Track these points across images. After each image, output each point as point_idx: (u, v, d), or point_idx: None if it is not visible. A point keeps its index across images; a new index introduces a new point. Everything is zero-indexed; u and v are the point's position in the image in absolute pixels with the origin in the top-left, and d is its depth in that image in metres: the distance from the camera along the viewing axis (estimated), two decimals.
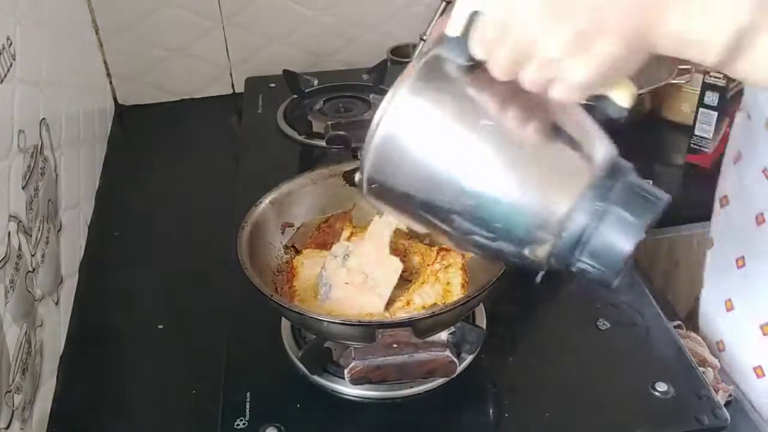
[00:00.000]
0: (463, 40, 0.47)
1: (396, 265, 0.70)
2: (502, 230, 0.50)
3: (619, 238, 0.48)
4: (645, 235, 0.49)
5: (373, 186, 0.53)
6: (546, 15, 0.43)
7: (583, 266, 0.50)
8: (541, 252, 0.50)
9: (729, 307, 0.78)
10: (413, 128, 0.50)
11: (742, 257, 0.75)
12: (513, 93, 0.48)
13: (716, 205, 0.82)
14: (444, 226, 0.53)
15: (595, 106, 0.48)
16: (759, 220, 0.73)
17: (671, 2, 0.42)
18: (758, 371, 0.75)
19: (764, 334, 0.73)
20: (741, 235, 0.76)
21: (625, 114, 0.47)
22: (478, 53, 0.47)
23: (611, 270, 0.49)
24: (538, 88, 0.46)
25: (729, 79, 0.95)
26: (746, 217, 0.74)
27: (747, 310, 0.76)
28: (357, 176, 0.53)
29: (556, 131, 0.49)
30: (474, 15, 0.46)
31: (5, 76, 0.73)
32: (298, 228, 0.77)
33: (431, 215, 0.52)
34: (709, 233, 0.84)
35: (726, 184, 0.80)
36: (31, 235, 0.74)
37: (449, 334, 0.65)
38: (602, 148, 0.51)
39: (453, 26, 0.48)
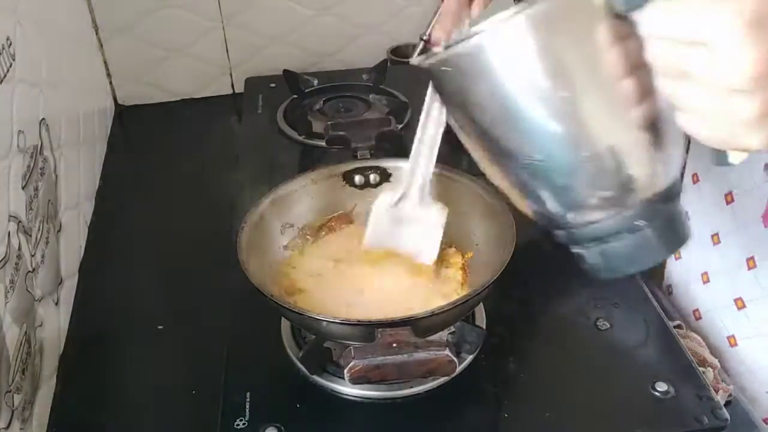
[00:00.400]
0: None
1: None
2: (549, 186, 0.48)
3: (636, 257, 0.49)
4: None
5: (443, 69, 0.48)
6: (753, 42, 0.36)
7: (585, 254, 0.50)
8: (561, 220, 0.50)
9: (705, 279, 0.79)
10: (526, 48, 0.44)
11: (717, 234, 0.77)
12: (638, 67, 0.43)
13: (687, 181, 0.84)
14: (486, 147, 0.50)
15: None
16: (728, 199, 0.75)
17: None
18: (731, 340, 0.76)
19: (738, 309, 0.75)
20: (713, 213, 0.78)
21: (725, 165, 0.45)
22: (645, 28, 0.41)
23: (608, 272, 0.50)
24: (668, 98, 0.42)
25: None
26: (716, 196, 0.76)
27: (722, 284, 0.77)
28: (430, 53, 0.48)
29: (653, 126, 0.46)
30: None
31: (5, 76, 0.73)
32: (300, 229, 0.77)
33: (482, 130, 0.49)
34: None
35: (695, 162, 0.81)
36: (30, 236, 0.74)
37: (449, 333, 0.65)
38: (675, 167, 0.49)
39: None
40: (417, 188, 0.72)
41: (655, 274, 0.91)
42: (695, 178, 0.81)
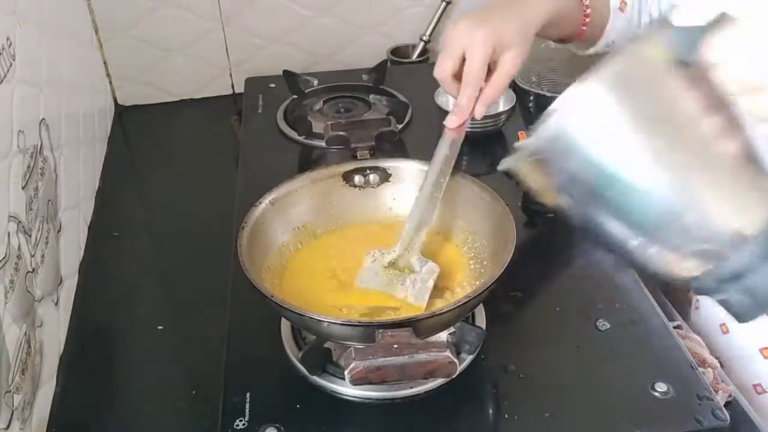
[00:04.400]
0: (695, 34, 0.43)
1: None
2: (665, 240, 0.47)
3: None
4: None
5: (536, 158, 0.49)
6: None
7: (729, 298, 0.47)
8: (693, 270, 0.48)
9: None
10: (605, 114, 0.46)
11: None
12: (720, 104, 0.45)
13: None
14: (598, 226, 0.50)
15: None
16: None
17: None
18: (765, 352, 0.77)
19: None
20: None
21: None
22: (712, 57, 0.43)
23: (757, 309, 0.47)
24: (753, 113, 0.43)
25: None
26: None
27: None
28: (520, 143, 0.50)
29: (751, 157, 0.46)
30: (723, 18, 0.42)
31: (5, 76, 0.73)
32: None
33: (589, 208, 0.49)
34: None
35: None
36: (30, 236, 0.74)
37: (449, 334, 0.65)
38: None
39: (688, 16, 0.44)
40: (413, 252, 0.72)
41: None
42: None
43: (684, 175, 0.46)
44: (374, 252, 0.72)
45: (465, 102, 0.71)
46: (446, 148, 0.72)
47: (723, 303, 0.48)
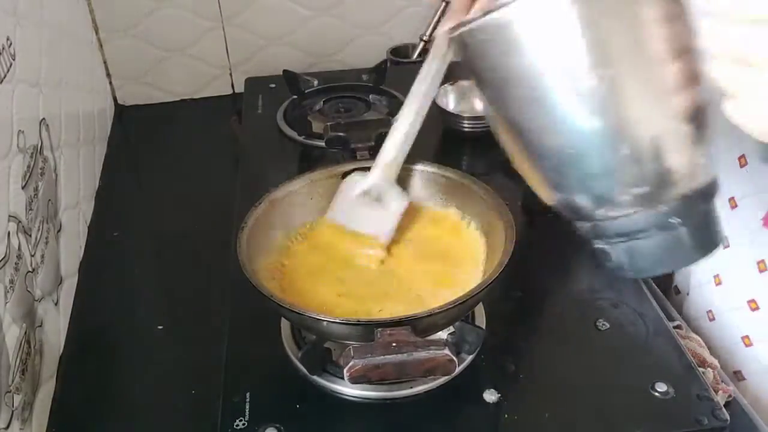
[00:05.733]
0: None
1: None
2: (580, 176, 0.44)
3: (664, 258, 0.45)
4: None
5: (477, 39, 0.44)
6: None
7: (609, 251, 0.46)
8: (589, 213, 0.45)
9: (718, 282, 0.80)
10: (569, 19, 0.40)
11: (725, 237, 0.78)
12: (686, 50, 0.41)
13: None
14: (516, 130, 0.46)
15: None
16: (731, 204, 0.76)
17: None
18: (746, 340, 0.77)
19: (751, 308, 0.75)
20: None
21: None
22: (702, 4, 0.39)
23: (632, 272, 0.46)
24: (720, 84, 0.38)
25: None
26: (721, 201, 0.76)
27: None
28: (464, 21, 0.45)
29: (697, 116, 0.42)
30: None
31: (5, 76, 0.73)
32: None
33: (508, 113, 0.45)
34: None
35: None
36: (30, 236, 0.74)
37: (449, 334, 0.65)
38: (714, 163, 0.45)
39: None
40: (389, 178, 0.73)
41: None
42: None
43: (628, 111, 0.42)
44: (354, 176, 0.74)
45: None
46: (437, 61, 0.69)
47: (601, 253, 0.46)
